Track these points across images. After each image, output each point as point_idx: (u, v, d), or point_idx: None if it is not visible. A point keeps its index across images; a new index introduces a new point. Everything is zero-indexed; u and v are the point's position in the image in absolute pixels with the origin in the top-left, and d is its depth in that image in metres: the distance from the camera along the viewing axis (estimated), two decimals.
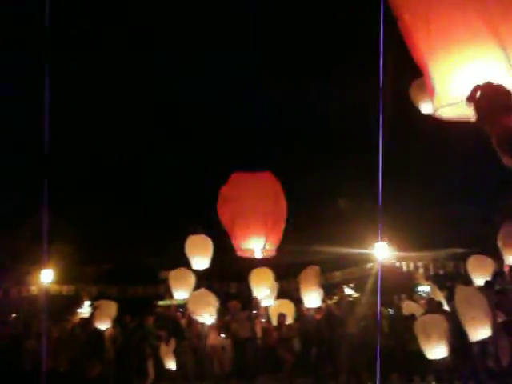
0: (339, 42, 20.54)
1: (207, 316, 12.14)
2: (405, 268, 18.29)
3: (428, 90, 2.06)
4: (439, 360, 9.61)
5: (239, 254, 6.62)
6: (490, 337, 9.50)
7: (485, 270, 11.72)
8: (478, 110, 1.65)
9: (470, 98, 1.68)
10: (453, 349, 10.01)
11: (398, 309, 12.84)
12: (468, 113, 1.88)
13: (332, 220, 24.84)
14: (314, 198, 26.95)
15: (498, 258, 11.89)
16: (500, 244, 11.07)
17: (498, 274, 12.27)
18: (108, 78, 20.41)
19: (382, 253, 15.22)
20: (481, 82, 1.69)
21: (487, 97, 1.64)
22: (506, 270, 10.93)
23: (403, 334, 11.32)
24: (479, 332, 9.19)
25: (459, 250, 22.29)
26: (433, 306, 11.50)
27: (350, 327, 11.78)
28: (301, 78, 21.47)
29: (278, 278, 15.98)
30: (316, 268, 12.78)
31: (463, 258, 13.86)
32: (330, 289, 16.77)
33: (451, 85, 1.89)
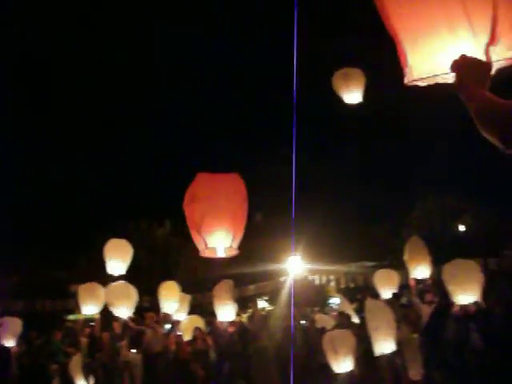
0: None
1: (124, 309, 11.88)
2: (317, 281, 18.68)
3: (401, 59, 2.04)
4: (347, 373, 9.82)
5: (202, 254, 6.51)
6: (395, 350, 9.82)
7: (391, 283, 12.14)
8: (458, 79, 1.68)
9: (453, 68, 1.70)
10: (361, 361, 10.27)
11: (311, 321, 13.04)
12: (439, 80, 1.94)
13: (247, 233, 25.04)
14: None
15: (405, 272, 12.33)
16: (405, 258, 11.49)
17: (404, 287, 12.74)
18: None
19: (295, 266, 15.50)
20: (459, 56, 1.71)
21: (467, 67, 1.67)
22: (412, 283, 11.34)
23: (315, 347, 11.50)
24: (383, 345, 9.46)
25: (369, 264, 23.05)
26: (342, 320, 11.77)
27: (264, 340, 11.84)
28: None
29: (192, 291, 15.91)
30: (230, 282, 12.81)
31: (372, 272, 14.28)
32: (244, 302, 16.86)
33: (425, 62, 1.91)
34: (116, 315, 12.13)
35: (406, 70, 2.00)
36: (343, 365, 9.43)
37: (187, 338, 12.92)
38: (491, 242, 22.62)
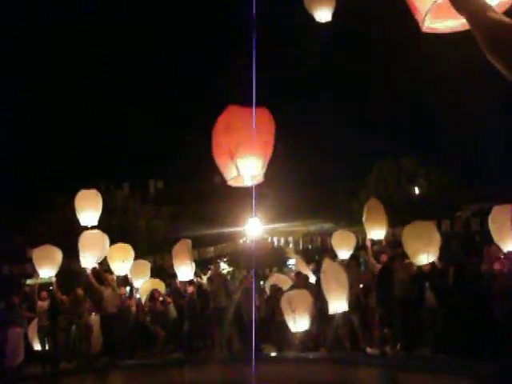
0: None
1: (92, 258, 11.76)
2: (276, 243, 18.88)
3: (414, 13, 2.03)
4: (304, 331, 10.05)
5: (232, 183, 6.69)
6: (348, 310, 10.10)
7: (348, 244, 12.36)
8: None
9: None
10: (317, 319, 10.53)
11: (273, 286, 13.21)
12: (452, 23, 1.92)
13: (207, 195, 24.99)
14: (189, 172, 27.05)
15: (361, 233, 12.55)
16: (364, 219, 11.67)
17: (361, 248, 13.01)
18: None
19: (254, 228, 15.61)
20: None
21: None
22: (368, 244, 11.57)
23: (273, 306, 11.72)
24: (337, 304, 9.65)
25: (326, 225, 23.40)
26: (300, 280, 11.99)
27: (223, 301, 12.01)
28: None
29: (152, 254, 15.92)
30: (188, 241, 12.77)
31: (330, 233, 14.49)
32: (203, 264, 16.97)
33: None
34: (82, 265, 11.98)
35: (417, 16, 1.97)
36: (300, 323, 9.65)
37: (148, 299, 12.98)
38: (444, 204, 23.22)
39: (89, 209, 12.33)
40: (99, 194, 12.67)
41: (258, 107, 6.55)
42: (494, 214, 9.73)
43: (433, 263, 10.06)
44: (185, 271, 12.31)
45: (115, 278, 12.86)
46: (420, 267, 10.20)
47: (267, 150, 6.55)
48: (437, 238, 10.17)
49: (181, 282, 12.67)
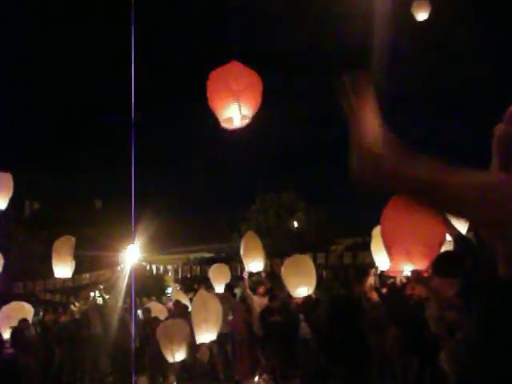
0: None
1: None
2: (155, 270, 18.68)
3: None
4: (181, 361, 10.01)
5: (224, 124, 6.86)
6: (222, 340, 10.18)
7: (223, 276, 12.60)
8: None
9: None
10: (193, 348, 10.53)
11: (146, 311, 13.08)
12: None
13: (86, 220, 24.31)
14: (66, 195, 26.30)
15: (241, 264, 12.81)
16: (241, 252, 11.92)
17: (239, 279, 13.24)
18: None
19: (133, 255, 15.40)
20: None
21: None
22: (245, 275, 11.80)
23: (149, 336, 11.56)
24: (206, 335, 9.64)
25: (206, 255, 23.55)
26: (177, 309, 11.97)
27: (97, 328, 11.69)
28: None
29: (24, 278, 15.21)
30: (71, 238, 12.21)
31: (210, 263, 14.66)
32: (78, 291, 16.40)
33: None
34: None
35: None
36: (177, 354, 9.59)
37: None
38: (320, 238, 24.21)
39: None
40: (11, 179, 11.46)
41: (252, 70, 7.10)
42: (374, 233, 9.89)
43: (308, 295, 10.42)
44: (63, 268, 11.74)
45: None
46: (295, 299, 10.53)
47: (258, 97, 6.97)
48: (313, 271, 10.57)
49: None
